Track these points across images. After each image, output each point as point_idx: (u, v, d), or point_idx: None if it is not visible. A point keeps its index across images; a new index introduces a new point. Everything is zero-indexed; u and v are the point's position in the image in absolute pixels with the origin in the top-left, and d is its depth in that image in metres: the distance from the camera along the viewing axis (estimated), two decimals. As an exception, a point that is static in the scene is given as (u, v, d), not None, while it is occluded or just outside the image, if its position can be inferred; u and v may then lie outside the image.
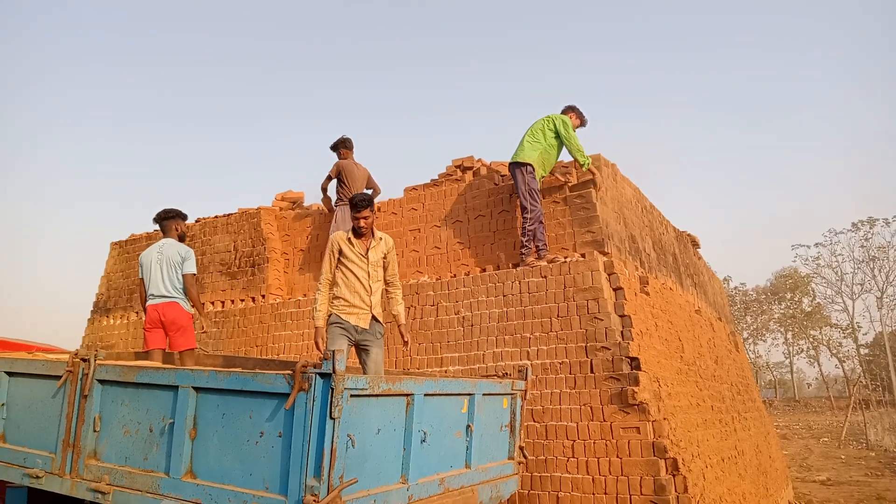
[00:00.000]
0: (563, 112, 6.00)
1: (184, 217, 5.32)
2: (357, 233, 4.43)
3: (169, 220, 5.21)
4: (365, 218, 4.38)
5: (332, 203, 6.93)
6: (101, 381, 3.47)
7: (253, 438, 2.86)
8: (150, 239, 8.43)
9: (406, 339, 4.68)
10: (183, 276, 4.99)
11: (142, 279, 5.09)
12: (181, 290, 5.00)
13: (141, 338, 7.87)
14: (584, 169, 5.67)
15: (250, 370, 3.23)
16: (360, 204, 4.37)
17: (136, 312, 8.23)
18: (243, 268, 7.56)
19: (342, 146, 6.88)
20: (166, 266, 4.97)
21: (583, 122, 6.09)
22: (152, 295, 4.96)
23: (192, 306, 5.10)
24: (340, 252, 4.41)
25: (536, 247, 5.64)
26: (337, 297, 4.39)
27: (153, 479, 3.09)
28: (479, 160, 6.78)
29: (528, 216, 5.59)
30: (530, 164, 5.67)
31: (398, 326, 4.70)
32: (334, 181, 6.83)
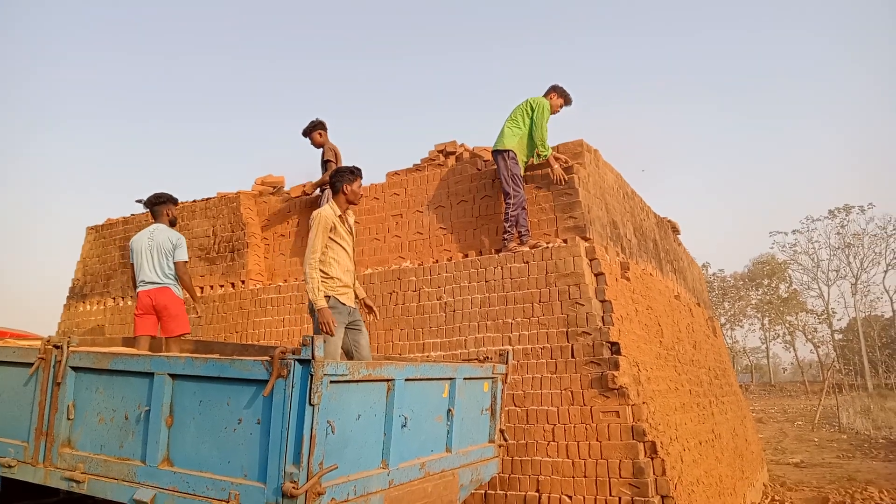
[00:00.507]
0: (546, 93, 5.95)
1: (175, 202, 5.29)
2: (352, 203, 4.42)
3: (160, 205, 5.16)
4: (361, 186, 4.44)
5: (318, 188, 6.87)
6: (75, 369, 3.40)
7: (231, 426, 2.82)
8: (126, 223, 8.28)
9: (373, 309, 4.71)
10: (175, 263, 4.95)
11: (132, 264, 5.03)
12: (172, 277, 4.97)
13: (119, 323, 7.76)
14: (542, 158, 5.72)
15: (228, 356, 3.19)
16: (360, 172, 4.40)
17: (114, 298, 8.10)
18: (222, 253, 7.45)
19: (319, 127, 6.78)
20: (157, 252, 4.93)
21: (567, 102, 6.02)
22: (143, 281, 4.93)
23: (187, 293, 5.07)
24: (332, 229, 4.25)
25: (519, 232, 5.64)
26: (330, 277, 4.20)
27: (129, 468, 3.05)
28: (462, 145, 6.74)
29: (511, 202, 5.58)
30: (512, 150, 5.65)
31: (361, 300, 4.65)
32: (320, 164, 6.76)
